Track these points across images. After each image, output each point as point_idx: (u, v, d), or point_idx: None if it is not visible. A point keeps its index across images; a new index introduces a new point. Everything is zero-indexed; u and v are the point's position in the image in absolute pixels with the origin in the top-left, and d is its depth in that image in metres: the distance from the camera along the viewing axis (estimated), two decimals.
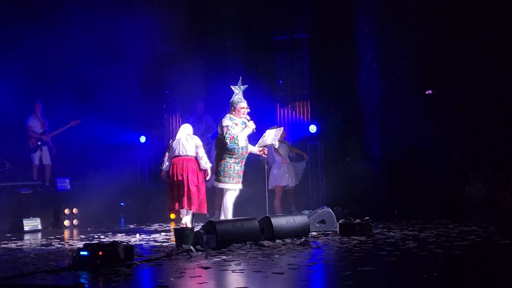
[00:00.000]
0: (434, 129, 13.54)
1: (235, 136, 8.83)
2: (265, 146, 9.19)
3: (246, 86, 9.18)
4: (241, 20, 14.58)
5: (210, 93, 14.56)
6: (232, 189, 9.00)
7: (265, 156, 9.36)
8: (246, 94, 9.32)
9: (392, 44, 13.78)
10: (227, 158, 8.91)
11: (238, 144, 8.90)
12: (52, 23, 13.29)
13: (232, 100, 9.04)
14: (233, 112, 9.01)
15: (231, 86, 9.15)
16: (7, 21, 13.31)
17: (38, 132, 12.67)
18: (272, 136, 9.19)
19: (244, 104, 9.05)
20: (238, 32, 14.75)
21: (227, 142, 8.83)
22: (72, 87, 13.58)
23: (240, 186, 9.04)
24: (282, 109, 15.46)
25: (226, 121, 8.97)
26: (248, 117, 9.04)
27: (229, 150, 8.89)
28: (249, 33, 14.82)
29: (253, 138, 9.21)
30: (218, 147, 9.03)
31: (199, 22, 14.73)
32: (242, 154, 8.99)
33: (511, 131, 12.96)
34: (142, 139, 14.89)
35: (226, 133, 8.82)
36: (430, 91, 14.41)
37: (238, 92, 9.11)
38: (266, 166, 9.71)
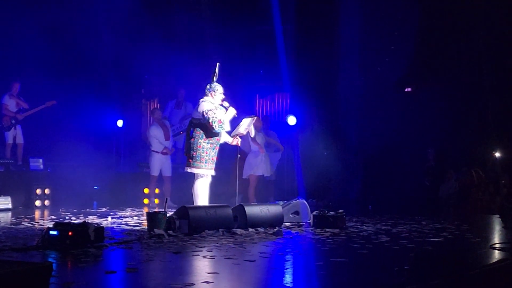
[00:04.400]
0: (411, 126, 13.63)
1: (222, 120, 8.61)
2: (238, 135, 9.02)
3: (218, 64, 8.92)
4: (224, 8, 14.49)
5: (190, 81, 14.44)
6: (204, 175, 8.80)
7: (239, 145, 9.23)
8: (225, 83, 9.16)
9: (374, 40, 13.82)
10: (203, 143, 8.69)
11: (224, 128, 8.70)
12: (29, 2, 13.06)
13: (210, 85, 8.79)
14: (213, 97, 8.75)
15: (216, 69, 8.81)
16: None
17: (13, 111, 12.49)
18: (245, 125, 9.02)
19: (222, 89, 8.84)
20: (220, 21, 14.66)
21: (214, 126, 8.47)
22: (50, 67, 13.37)
23: (213, 172, 8.86)
24: (261, 100, 15.40)
25: (207, 105, 8.61)
26: (227, 103, 8.83)
27: (212, 134, 8.64)
28: (231, 22, 14.74)
29: (230, 126, 9.06)
30: (194, 132, 8.75)
31: (182, 9, 14.61)
32: (218, 139, 8.79)
33: (484, 131, 13.09)
34: (120, 123, 14.71)
35: (212, 117, 8.46)
36: (409, 89, 14.49)
37: (216, 78, 8.88)
38: (239, 155, 9.62)
